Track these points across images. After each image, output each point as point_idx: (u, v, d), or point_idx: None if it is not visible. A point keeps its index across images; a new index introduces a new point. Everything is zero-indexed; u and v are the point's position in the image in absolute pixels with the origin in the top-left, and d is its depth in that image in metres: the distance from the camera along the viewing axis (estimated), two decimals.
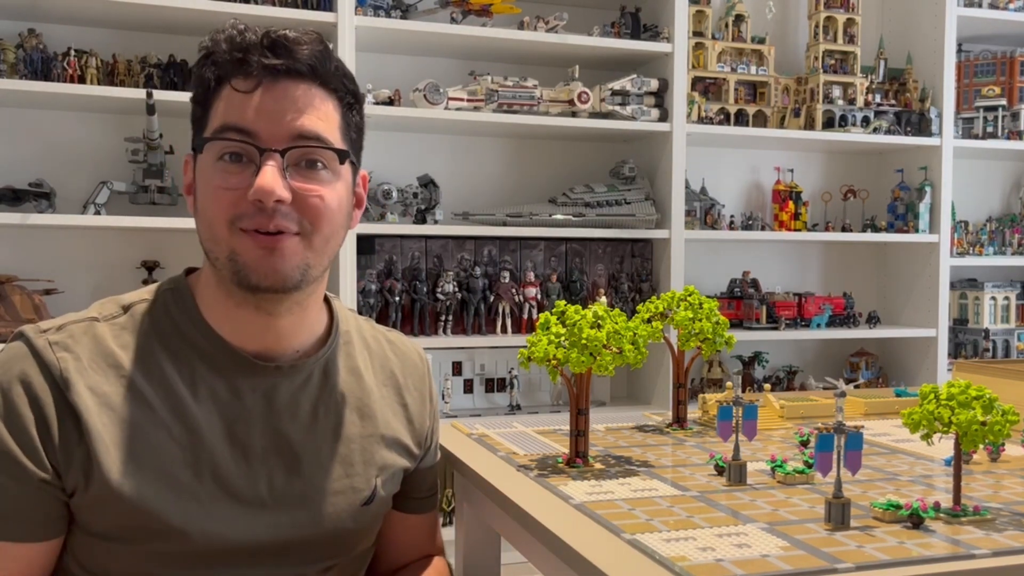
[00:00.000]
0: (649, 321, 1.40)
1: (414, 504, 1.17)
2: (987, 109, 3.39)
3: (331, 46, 1.00)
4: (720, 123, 3.11)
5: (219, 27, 0.97)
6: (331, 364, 1.07)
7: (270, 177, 0.92)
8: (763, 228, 3.26)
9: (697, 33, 3.12)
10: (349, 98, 1.01)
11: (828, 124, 3.20)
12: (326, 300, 1.10)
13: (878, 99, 3.28)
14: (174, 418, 0.96)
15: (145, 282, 2.66)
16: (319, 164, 0.97)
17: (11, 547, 0.91)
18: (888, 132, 3.23)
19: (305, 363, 1.03)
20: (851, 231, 3.34)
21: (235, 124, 0.94)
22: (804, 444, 1.31)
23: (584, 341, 1.12)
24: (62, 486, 0.92)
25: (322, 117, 0.97)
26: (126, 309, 1.00)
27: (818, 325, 3.20)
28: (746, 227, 3.23)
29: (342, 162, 0.99)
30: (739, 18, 3.19)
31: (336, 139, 0.98)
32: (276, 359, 1.02)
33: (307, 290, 1.00)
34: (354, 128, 1.03)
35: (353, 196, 1.04)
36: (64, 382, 0.92)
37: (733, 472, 1.12)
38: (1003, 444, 1.17)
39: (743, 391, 1.21)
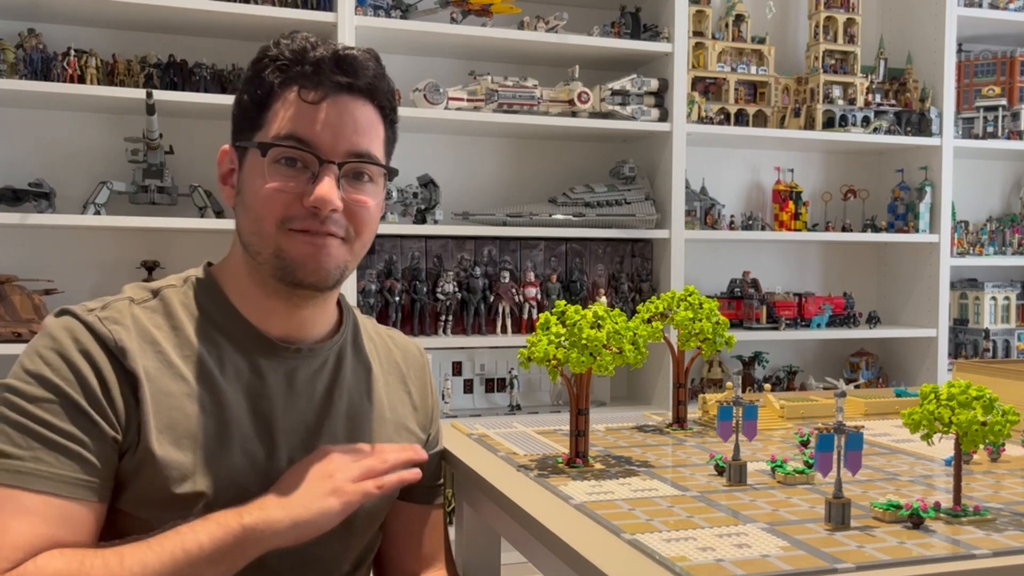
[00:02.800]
0: (649, 321, 1.40)
1: (417, 493, 1.20)
2: (987, 109, 3.39)
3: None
4: (720, 123, 3.11)
5: (282, 33, 1.06)
6: (343, 351, 1.15)
7: (327, 188, 1.01)
8: (763, 228, 3.26)
9: (697, 33, 3.12)
10: (392, 115, 1.11)
11: (828, 124, 3.20)
12: None
13: (878, 99, 3.28)
14: (206, 393, 1.01)
15: (145, 281, 2.66)
16: (366, 177, 1.06)
17: (99, 507, 0.94)
18: (888, 132, 3.23)
19: (322, 348, 1.11)
20: (851, 231, 3.34)
21: (299, 134, 1.01)
22: (804, 444, 1.30)
23: (584, 341, 1.12)
24: (119, 448, 0.96)
25: (374, 135, 1.07)
26: (155, 293, 1.07)
27: (818, 325, 3.19)
28: (746, 227, 3.23)
29: (389, 179, 1.11)
30: (739, 18, 3.19)
31: (381, 155, 1.08)
32: (296, 343, 1.09)
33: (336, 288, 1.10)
34: (391, 142, 1.13)
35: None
36: (120, 351, 0.97)
37: (733, 472, 1.12)
38: (1003, 444, 1.17)
39: (743, 391, 1.21)
